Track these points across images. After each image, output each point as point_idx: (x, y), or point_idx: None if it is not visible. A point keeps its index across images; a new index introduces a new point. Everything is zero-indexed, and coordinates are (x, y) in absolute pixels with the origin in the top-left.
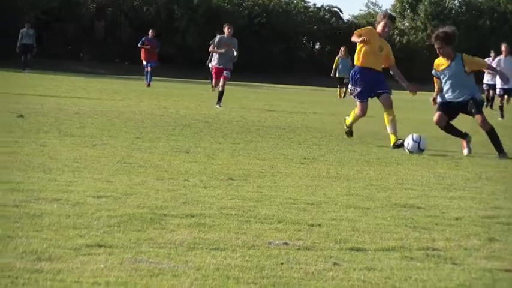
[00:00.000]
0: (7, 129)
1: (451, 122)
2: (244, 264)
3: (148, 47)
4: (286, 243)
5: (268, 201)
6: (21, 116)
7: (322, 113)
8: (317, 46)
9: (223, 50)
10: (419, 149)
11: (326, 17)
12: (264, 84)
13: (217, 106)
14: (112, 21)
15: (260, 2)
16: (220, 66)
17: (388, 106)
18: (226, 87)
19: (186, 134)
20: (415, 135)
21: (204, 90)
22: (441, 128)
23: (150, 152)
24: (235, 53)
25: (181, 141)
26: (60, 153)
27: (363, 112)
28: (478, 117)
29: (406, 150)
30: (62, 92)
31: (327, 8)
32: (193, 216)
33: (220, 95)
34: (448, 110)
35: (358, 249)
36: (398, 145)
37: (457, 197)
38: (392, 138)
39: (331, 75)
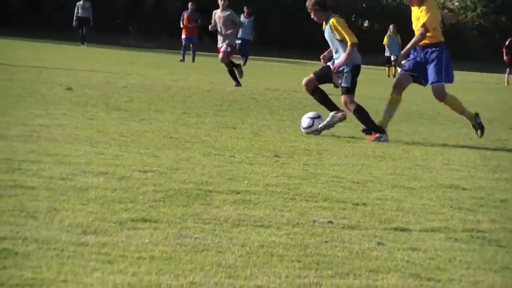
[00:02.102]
0: (56, 102)
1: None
2: (289, 241)
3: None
4: (331, 222)
5: (314, 179)
6: (69, 88)
7: (370, 92)
8: (365, 24)
9: (217, 29)
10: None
11: None
12: (310, 61)
13: (234, 83)
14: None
15: None
16: (219, 45)
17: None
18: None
19: (233, 110)
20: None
21: (252, 66)
22: (308, 92)
23: (196, 127)
24: (230, 31)
25: (228, 117)
26: (108, 127)
27: None
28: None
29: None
30: (110, 66)
31: None
32: (238, 193)
33: (231, 72)
34: (321, 74)
35: (402, 229)
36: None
37: (503, 179)
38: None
39: (385, 54)
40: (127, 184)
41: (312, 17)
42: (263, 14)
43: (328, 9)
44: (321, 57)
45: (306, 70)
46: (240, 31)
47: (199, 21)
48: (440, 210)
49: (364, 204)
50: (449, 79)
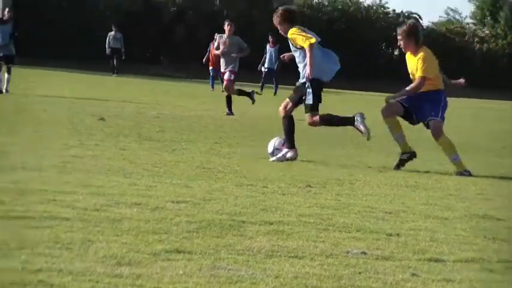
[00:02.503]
0: (88, 132)
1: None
2: (322, 272)
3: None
4: (365, 253)
5: (347, 209)
6: (102, 119)
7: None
8: (396, 53)
9: (219, 51)
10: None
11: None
12: (341, 91)
13: (227, 111)
14: (191, 25)
15: (340, 7)
16: (222, 70)
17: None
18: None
19: (265, 139)
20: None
21: (286, 94)
22: (283, 116)
23: (228, 157)
24: (235, 54)
25: (259, 146)
26: (140, 157)
27: None
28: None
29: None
30: (142, 96)
31: (406, 14)
32: (271, 224)
33: (227, 100)
34: (296, 97)
35: (436, 260)
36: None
37: None
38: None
39: None
40: (160, 215)
41: (279, 30)
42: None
43: (292, 21)
44: (281, 56)
45: (335, 100)
46: (266, 61)
47: None
48: (474, 240)
49: (398, 234)
50: (443, 119)
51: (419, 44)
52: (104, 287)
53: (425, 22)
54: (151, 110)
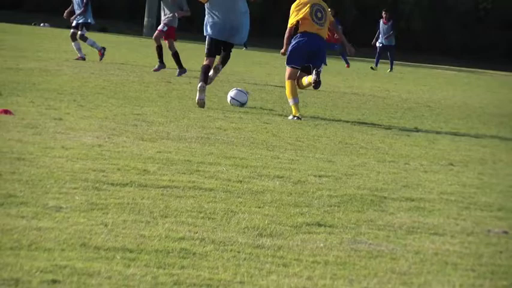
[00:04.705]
0: (233, 106)
1: None
2: (463, 250)
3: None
4: (506, 232)
5: (489, 188)
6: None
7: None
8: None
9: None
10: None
11: None
12: (485, 71)
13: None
14: (336, 2)
15: None
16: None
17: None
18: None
19: (408, 117)
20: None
21: (425, 74)
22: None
23: (371, 134)
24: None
25: (402, 124)
26: (283, 131)
27: None
28: None
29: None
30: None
31: None
32: (413, 200)
33: (164, 55)
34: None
35: None
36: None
37: None
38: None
39: None
40: (302, 188)
41: None
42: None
43: None
44: None
45: (480, 79)
46: (380, 36)
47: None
48: None
49: None
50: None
51: None
52: (245, 258)
53: None
54: None
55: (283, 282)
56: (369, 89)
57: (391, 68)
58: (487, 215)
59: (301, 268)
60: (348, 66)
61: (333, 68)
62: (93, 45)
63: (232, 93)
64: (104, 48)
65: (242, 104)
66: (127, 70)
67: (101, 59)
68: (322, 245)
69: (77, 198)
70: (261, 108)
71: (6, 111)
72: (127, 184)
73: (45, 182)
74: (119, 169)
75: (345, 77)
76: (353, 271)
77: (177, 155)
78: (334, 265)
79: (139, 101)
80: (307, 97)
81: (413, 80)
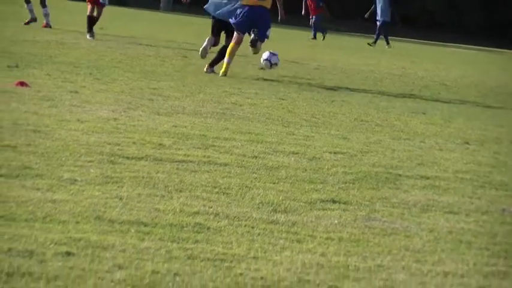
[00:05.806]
0: (248, 81)
1: None
2: (477, 229)
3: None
4: None
5: (504, 167)
6: (262, 68)
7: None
8: None
9: None
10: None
11: None
12: (504, 50)
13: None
14: None
15: None
16: None
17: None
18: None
19: (424, 95)
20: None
21: (442, 52)
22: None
23: (386, 111)
24: None
25: (418, 102)
26: (299, 107)
27: None
28: None
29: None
30: (302, 47)
31: None
32: (427, 178)
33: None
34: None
35: None
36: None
37: None
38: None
39: None
40: (317, 165)
41: None
42: None
43: None
44: None
45: (500, 60)
46: (378, 12)
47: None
48: None
49: None
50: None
51: None
52: (259, 233)
53: None
54: (311, 61)
55: (297, 258)
56: (385, 67)
57: (375, 42)
58: (502, 194)
59: (315, 244)
60: (315, 38)
61: (349, 46)
62: (31, 11)
63: (265, 55)
64: (34, 20)
65: (272, 65)
66: (143, 44)
67: (26, 24)
68: (336, 221)
69: (92, 171)
70: (277, 82)
71: (22, 84)
72: (142, 158)
73: (61, 154)
74: (134, 143)
75: (362, 54)
76: (367, 248)
77: (193, 130)
78: (348, 242)
79: (156, 75)
80: (324, 74)
81: (430, 58)
